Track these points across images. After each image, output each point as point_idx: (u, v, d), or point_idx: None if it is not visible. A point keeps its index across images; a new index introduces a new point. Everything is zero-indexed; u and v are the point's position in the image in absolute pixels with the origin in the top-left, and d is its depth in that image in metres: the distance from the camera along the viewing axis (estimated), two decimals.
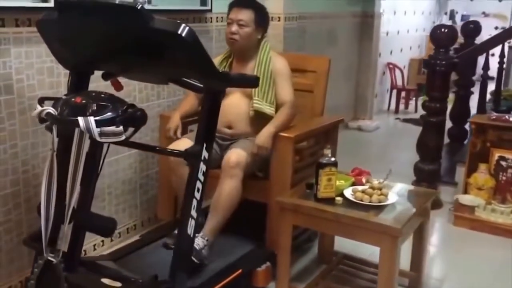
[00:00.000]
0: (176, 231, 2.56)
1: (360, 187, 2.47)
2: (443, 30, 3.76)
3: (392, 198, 2.43)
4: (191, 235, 1.96)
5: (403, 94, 7.33)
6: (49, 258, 1.93)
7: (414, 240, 2.65)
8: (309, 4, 4.77)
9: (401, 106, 7.28)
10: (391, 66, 7.13)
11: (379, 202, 2.38)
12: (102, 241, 2.94)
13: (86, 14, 1.86)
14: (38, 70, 2.41)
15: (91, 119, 1.75)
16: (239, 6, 2.73)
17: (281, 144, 2.60)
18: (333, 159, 2.39)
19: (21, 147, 2.39)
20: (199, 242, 2.47)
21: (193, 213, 1.94)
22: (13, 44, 2.28)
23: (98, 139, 1.77)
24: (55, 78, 2.47)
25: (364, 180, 2.57)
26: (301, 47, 4.40)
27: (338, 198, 2.40)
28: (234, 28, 2.71)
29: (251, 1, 2.80)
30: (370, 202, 2.37)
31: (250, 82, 2.23)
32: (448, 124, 5.08)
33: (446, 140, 5.05)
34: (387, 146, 5.75)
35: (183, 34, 1.73)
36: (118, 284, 1.99)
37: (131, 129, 1.89)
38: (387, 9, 6.72)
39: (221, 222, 2.55)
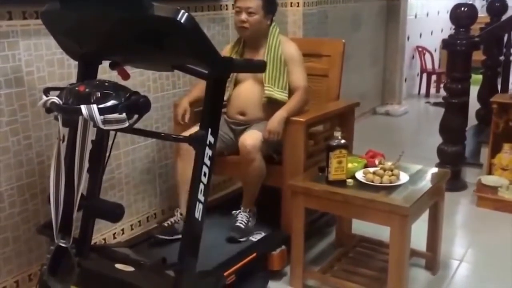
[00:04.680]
0: (165, 223, 2.68)
1: (371, 169, 2.45)
2: (463, 9, 3.68)
3: (403, 178, 2.41)
4: (199, 219, 1.97)
5: (434, 77, 7.19)
6: (61, 244, 1.98)
7: (429, 220, 2.65)
8: None
9: (433, 90, 7.16)
10: (420, 49, 7.00)
11: (390, 183, 2.36)
12: (122, 229, 3.00)
13: (86, 4, 1.89)
14: (48, 62, 2.46)
15: (94, 107, 1.77)
16: None
17: (293, 128, 2.60)
18: (343, 141, 2.38)
19: (35, 139, 2.45)
20: (242, 218, 2.61)
21: (201, 197, 1.95)
22: (21, 37, 2.33)
23: (101, 126, 1.79)
24: (65, 70, 2.52)
25: (376, 162, 2.55)
26: (323, 32, 4.36)
27: (349, 180, 2.39)
28: (243, 16, 2.71)
29: None
30: (381, 183, 2.36)
31: (256, 67, 2.22)
32: (477, 105, 4.99)
33: (474, 121, 4.97)
34: (415, 130, 5.69)
35: (182, 20, 1.73)
36: (131, 268, 2.04)
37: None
38: None
39: (255, 194, 2.71)
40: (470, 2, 8.59)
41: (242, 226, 2.62)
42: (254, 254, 2.48)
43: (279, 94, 2.72)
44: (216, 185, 3.55)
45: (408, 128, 5.76)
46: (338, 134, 2.38)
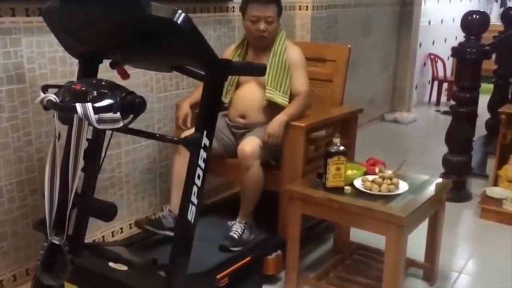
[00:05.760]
0: (152, 216, 2.67)
1: (370, 177, 2.43)
2: (474, 16, 3.63)
3: (402, 188, 2.38)
4: (192, 221, 1.97)
5: (445, 86, 7.12)
6: (54, 241, 1.98)
7: (428, 230, 2.61)
8: None
9: (444, 99, 7.09)
10: (432, 56, 6.94)
11: (389, 191, 2.34)
12: (121, 228, 3.00)
13: (86, 2, 1.89)
14: (50, 59, 2.47)
15: (89, 106, 1.77)
16: (266, 3, 2.69)
17: (292, 133, 2.58)
18: (342, 148, 2.35)
19: (35, 135, 2.46)
20: (237, 229, 2.57)
21: (194, 199, 1.95)
22: (24, 34, 2.34)
23: (96, 125, 1.79)
24: (68, 68, 2.52)
25: (377, 170, 2.52)
26: (332, 37, 4.34)
27: (347, 188, 2.37)
28: (263, 26, 2.70)
29: None
30: (379, 191, 2.33)
31: (256, 70, 2.21)
32: (488, 115, 4.94)
33: (484, 131, 4.91)
34: (423, 138, 5.62)
35: (179, 21, 1.73)
36: (124, 267, 2.04)
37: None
38: None
39: (253, 205, 2.66)
40: (483, 10, 8.52)
41: (236, 236, 2.56)
42: (249, 258, 2.47)
43: (280, 98, 2.70)
44: (219, 186, 3.55)
45: (416, 136, 5.70)
46: (337, 140, 2.36)
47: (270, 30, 2.72)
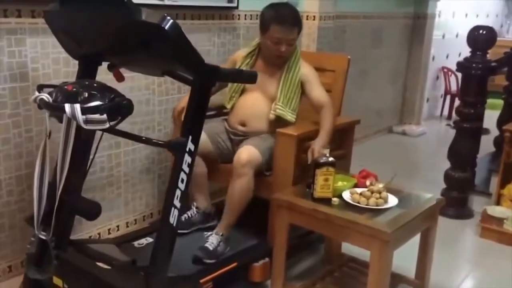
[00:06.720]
0: (181, 217, 2.65)
1: (359, 189, 2.43)
2: (481, 31, 3.61)
3: (392, 202, 2.38)
4: (174, 224, 2.00)
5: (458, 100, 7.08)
6: (41, 236, 2.04)
7: (419, 247, 2.58)
8: (353, 3, 4.72)
9: None
10: (445, 70, 6.90)
11: (377, 205, 2.33)
12: (118, 226, 3.06)
13: (81, 6, 1.95)
14: (54, 60, 2.54)
15: (77, 106, 1.82)
16: (291, 26, 2.69)
17: (284, 141, 2.59)
18: (330, 159, 2.36)
19: (36, 132, 2.53)
20: (212, 240, 2.55)
21: (176, 203, 1.98)
22: (29, 34, 2.42)
23: (83, 126, 1.84)
24: (71, 68, 2.58)
25: (367, 183, 2.52)
26: (339, 47, 4.37)
27: (335, 199, 2.37)
28: (285, 48, 2.71)
29: (298, 18, 2.76)
30: (367, 205, 2.33)
31: (246, 78, 2.21)
32: (496, 132, 4.89)
33: (492, 148, 4.87)
34: (429, 152, 5.58)
35: (166, 27, 1.76)
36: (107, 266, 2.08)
37: None
38: (444, 10, 6.50)
39: (235, 218, 2.63)
40: (502, 26, 8.43)
41: (210, 248, 2.52)
42: (235, 264, 2.49)
43: (290, 116, 2.74)
44: (218, 190, 3.58)
45: (423, 150, 5.67)
46: (326, 151, 2.37)
47: (290, 50, 2.74)
